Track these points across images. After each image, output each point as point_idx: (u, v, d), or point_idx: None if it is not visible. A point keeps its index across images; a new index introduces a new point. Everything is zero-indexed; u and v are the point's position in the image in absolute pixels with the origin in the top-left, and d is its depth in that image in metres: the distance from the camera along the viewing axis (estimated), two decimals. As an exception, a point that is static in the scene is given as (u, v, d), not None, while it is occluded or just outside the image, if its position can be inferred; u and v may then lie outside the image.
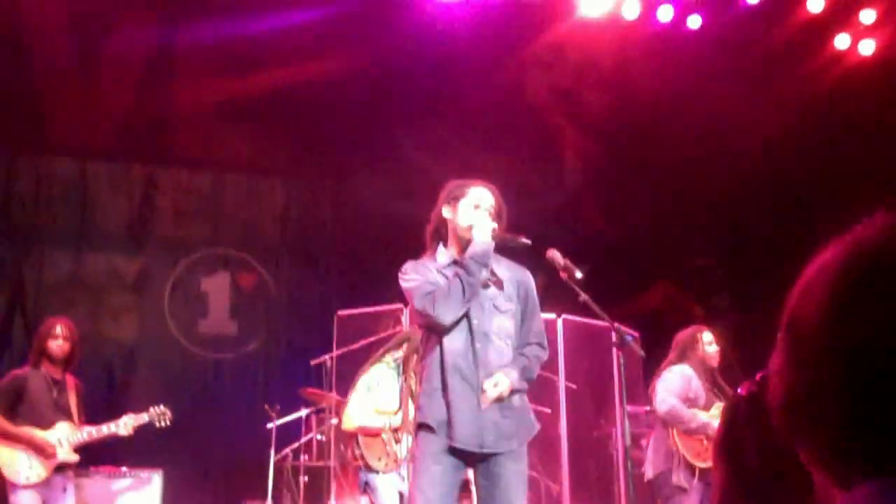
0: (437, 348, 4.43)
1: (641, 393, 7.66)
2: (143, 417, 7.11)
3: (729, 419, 1.39)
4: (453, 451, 4.32)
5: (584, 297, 5.41)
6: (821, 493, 1.02)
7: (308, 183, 10.55)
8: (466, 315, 4.41)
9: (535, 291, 4.79)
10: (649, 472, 6.81)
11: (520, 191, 10.64)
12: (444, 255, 4.61)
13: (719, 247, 10.71)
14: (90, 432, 6.87)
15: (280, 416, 8.12)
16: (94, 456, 7.40)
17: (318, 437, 8.01)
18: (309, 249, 10.26)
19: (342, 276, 10.06)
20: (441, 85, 9.81)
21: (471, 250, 4.44)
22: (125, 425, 6.99)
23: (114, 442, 7.14)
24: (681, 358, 6.90)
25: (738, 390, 1.41)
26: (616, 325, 5.63)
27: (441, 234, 4.68)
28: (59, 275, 9.65)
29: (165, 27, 9.53)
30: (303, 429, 8.25)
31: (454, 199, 4.59)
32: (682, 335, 7.00)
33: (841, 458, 0.96)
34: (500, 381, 4.41)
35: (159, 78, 9.69)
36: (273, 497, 7.96)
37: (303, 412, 8.19)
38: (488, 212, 4.56)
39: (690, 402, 6.76)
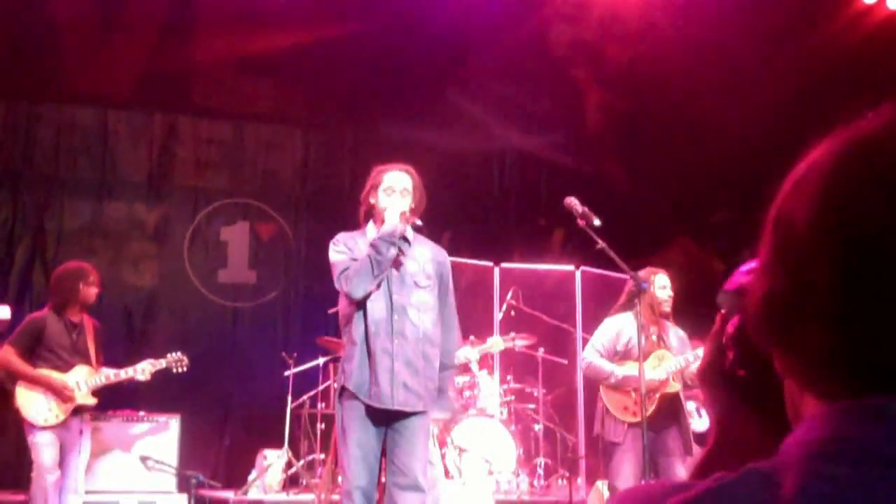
0: (361, 317, 4.89)
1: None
2: (161, 363, 7.15)
3: (715, 340, 1.34)
4: (372, 412, 4.81)
5: (601, 244, 5.44)
6: (790, 400, 0.96)
7: (327, 133, 10.54)
8: (389, 290, 4.90)
9: (449, 272, 5.25)
10: (596, 427, 6.52)
11: (539, 144, 10.62)
12: (373, 230, 5.07)
13: (743, 202, 10.61)
14: (108, 375, 6.91)
15: (297, 364, 8.17)
16: (113, 400, 7.46)
17: (335, 385, 8.05)
18: (327, 199, 10.25)
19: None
20: (461, 37, 9.72)
21: (381, 230, 4.93)
22: (143, 371, 7.03)
23: (132, 387, 7.20)
24: (628, 304, 6.47)
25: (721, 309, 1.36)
26: (634, 273, 5.64)
27: (372, 214, 5.14)
28: (80, 223, 9.69)
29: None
30: (320, 377, 8.30)
31: (374, 187, 5.09)
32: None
33: (823, 367, 0.88)
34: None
35: (180, 28, 9.65)
36: (290, 443, 8.03)
37: (320, 360, 8.24)
38: (401, 193, 5.03)
39: (621, 355, 6.43)
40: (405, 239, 5.02)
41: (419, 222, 5.09)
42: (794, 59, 9.29)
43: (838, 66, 9.24)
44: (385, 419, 4.85)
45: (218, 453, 9.32)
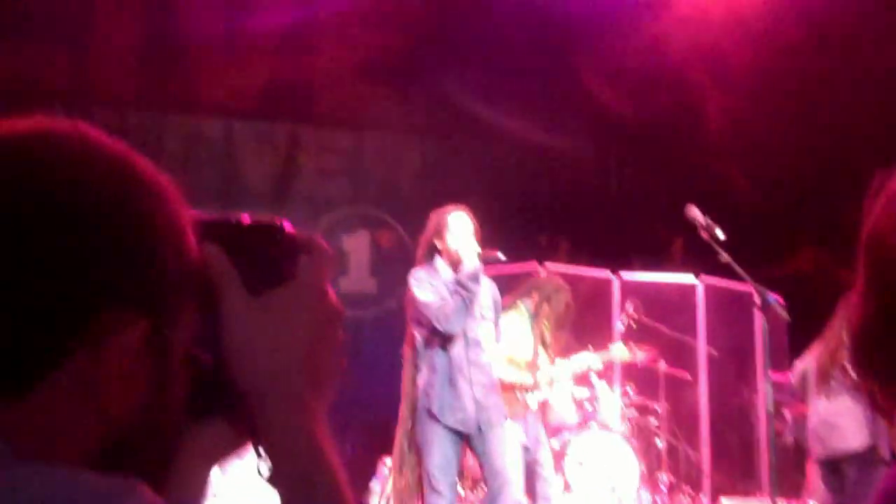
0: (441, 349, 5.46)
1: (785, 360, 7.33)
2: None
3: None
4: (454, 432, 5.40)
5: (725, 256, 5.29)
6: None
7: (446, 141, 10.56)
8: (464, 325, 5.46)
9: (500, 300, 5.90)
10: (857, 441, 5.78)
11: (663, 149, 10.46)
12: (445, 270, 5.57)
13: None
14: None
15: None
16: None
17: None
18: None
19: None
20: (578, 39, 9.65)
21: (464, 271, 5.40)
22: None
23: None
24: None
25: None
26: (759, 286, 5.47)
27: (433, 253, 5.66)
28: (206, 232, 9.93)
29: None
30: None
31: (439, 231, 5.63)
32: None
33: None
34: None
35: (301, 40, 9.82)
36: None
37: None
38: (470, 234, 5.54)
39: None
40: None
41: (502, 257, 5.57)
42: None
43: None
44: (465, 437, 5.46)
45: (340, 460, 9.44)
